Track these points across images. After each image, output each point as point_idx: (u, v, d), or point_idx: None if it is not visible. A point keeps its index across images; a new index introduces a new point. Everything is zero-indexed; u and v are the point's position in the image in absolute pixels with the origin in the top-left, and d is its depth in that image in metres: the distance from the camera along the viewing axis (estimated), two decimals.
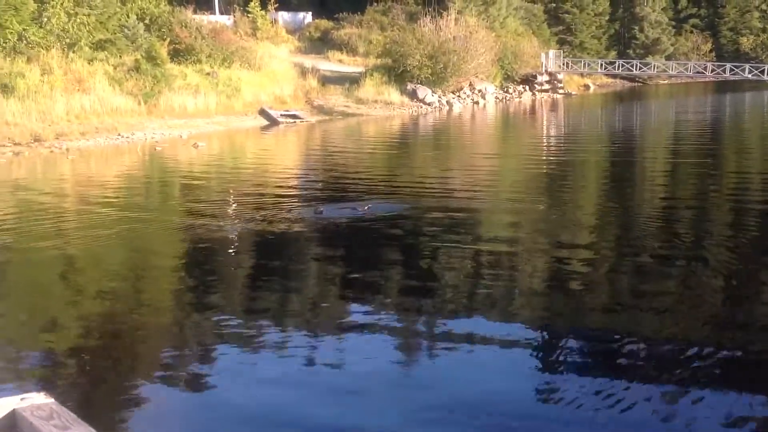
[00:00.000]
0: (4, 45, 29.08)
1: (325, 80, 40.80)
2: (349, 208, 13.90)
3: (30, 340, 7.97)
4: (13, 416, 1.84)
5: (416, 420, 5.96)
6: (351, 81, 41.01)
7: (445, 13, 45.23)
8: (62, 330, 8.36)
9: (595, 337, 7.87)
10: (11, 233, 12.74)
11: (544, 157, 24.25)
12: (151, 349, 7.82)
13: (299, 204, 15.16)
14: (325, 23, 52.03)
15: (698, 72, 57.39)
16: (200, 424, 6.09)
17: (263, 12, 47.50)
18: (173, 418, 6.19)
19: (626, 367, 6.97)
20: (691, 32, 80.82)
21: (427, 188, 17.07)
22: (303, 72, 40.44)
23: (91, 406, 6.29)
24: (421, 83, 41.99)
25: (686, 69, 58.42)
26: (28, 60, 29.04)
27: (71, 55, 30.49)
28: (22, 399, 1.88)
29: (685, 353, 7.29)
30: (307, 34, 51.23)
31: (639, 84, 69.66)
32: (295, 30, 51.55)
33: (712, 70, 55.49)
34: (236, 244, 12.20)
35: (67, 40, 30.93)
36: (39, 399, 1.89)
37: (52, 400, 1.89)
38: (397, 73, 41.52)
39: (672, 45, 75.90)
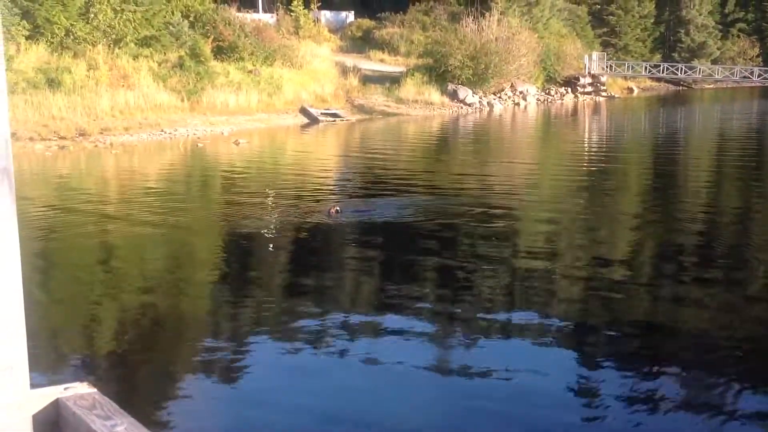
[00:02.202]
0: (51, 40, 29.59)
1: (366, 79, 40.84)
2: (362, 208, 13.81)
3: (73, 330, 8.10)
4: (56, 405, 1.87)
5: (452, 413, 5.94)
6: (392, 80, 41.01)
7: (487, 14, 45.00)
8: (104, 319, 8.49)
9: (633, 336, 7.78)
10: (55, 223, 12.96)
11: (585, 162, 23.99)
12: (191, 340, 7.91)
13: (336, 200, 15.21)
14: (367, 22, 52.09)
15: (745, 77, 56.40)
16: (239, 415, 6.14)
17: (306, 11, 47.71)
18: (213, 409, 6.24)
19: (663, 367, 6.87)
20: (738, 36, 79.39)
21: (464, 188, 17.00)
22: (344, 71, 40.54)
23: (133, 396, 6.37)
24: (462, 84, 41.84)
25: (732, 73, 57.41)
26: (75, 55, 29.53)
27: (117, 51, 30.95)
28: (65, 389, 1.91)
29: (724, 354, 7.18)
30: (349, 33, 51.34)
31: (684, 88, 68.62)
32: (337, 29, 51.70)
33: (759, 75, 54.49)
34: (274, 237, 12.29)
35: (113, 36, 31.39)
36: (82, 389, 1.91)
37: (95, 390, 1.91)
38: (438, 73, 41.42)
39: (718, 49, 74.56)
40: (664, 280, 10.05)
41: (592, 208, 14.68)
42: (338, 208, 13.35)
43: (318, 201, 15.07)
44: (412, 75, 41.01)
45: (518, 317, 8.37)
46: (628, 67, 58.33)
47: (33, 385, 1.79)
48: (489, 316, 8.38)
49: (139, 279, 10.11)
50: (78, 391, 1.90)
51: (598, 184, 18.08)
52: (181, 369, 7.05)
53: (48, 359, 6.91)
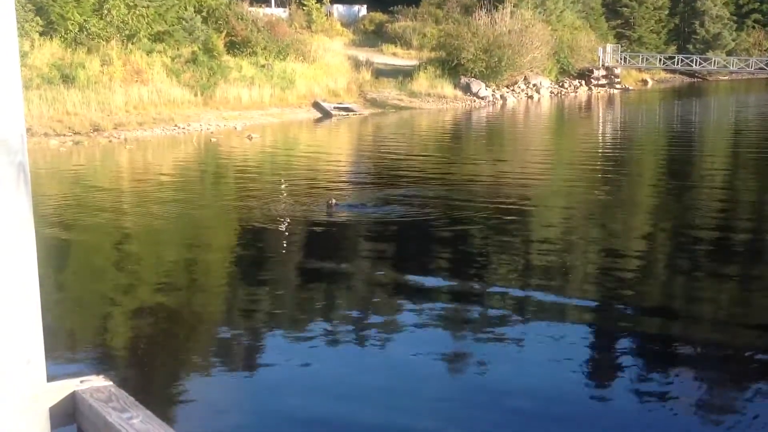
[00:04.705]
0: (65, 36, 29.73)
1: (379, 73, 40.81)
2: (359, 203, 13.82)
3: (88, 323, 8.16)
4: (73, 398, 1.88)
5: (464, 406, 5.94)
6: (404, 74, 40.96)
7: (500, 6, 44.83)
8: (119, 313, 8.54)
9: (648, 329, 7.75)
10: (70, 218, 13.03)
11: (599, 156, 23.88)
12: (205, 332, 7.95)
13: (347, 193, 15.25)
14: (379, 16, 52.02)
15: (760, 68, 55.97)
16: (254, 407, 6.16)
17: (318, 5, 47.69)
18: (228, 402, 6.27)
19: (678, 361, 6.85)
20: (753, 28, 78.78)
21: (477, 181, 16.96)
22: (357, 65, 40.52)
23: (149, 389, 6.41)
24: (474, 77, 41.74)
25: (747, 65, 57.02)
26: (89, 51, 29.65)
27: (130, 46, 31.05)
28: (81, 381, 1.92)
29: (737, 349, 7.14)
30: (362, 27, 51.30)
31: (698, 80, 68.20)
32: (349, 23, 51.67)
33: None
34: (286, 230, 12.35)
35: (127, 32, 31.49)
36: (98, 382, 1.93)
37: (111, 383, 1.93)
38: (451, 67, 41.34)
39: (733, 40, 73.98)
40: (679, 272, 10.00)
41: (606, 201, 14.61)
42: (335, 201, 13.44)
43: (328, 195, 15.10)
44: (425, 68, 40.95)
45: (532, 308, 8.36)
46: (643, 59, 58.00)
47: (49, 378, 1.80)
48: (503, 307, 8.37)
49: (153, 273, 10.16)
50: (94, 384, 1.92)
51: (613, 177, 18.00)
52: (196, 362, 7.09)
53: (64, 353, 6.96)
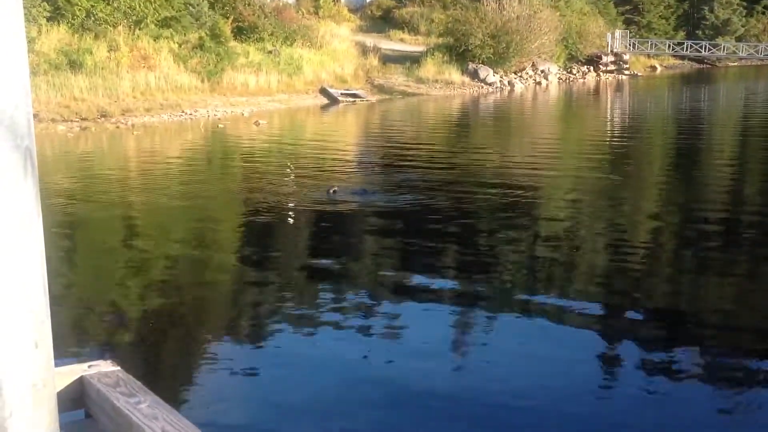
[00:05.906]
0: (72, 21, 29.70)
1: (386, 59, 40.69)
2: (361, 189, 13.81)
3: (96, 309, 8.18)
4: (80, 382, 1.89)
5: (468, 397, 5.95)
6: (412, 60, 40.83)
7: None
8: (126, 298, 8.57)
9: (657, 319, 7.74)
10: (79, 201, 13.07)
11: (608, 142, 23.80)
12: (213, 318, 7.97)
13: (350, 179, 15.25)
14: (387, 2, 51.81)
15: None
16: (263, 393, 6.18)
17: None
18: (234, 387, 6.28)
19: (686, 354, 6.83)
20: (763, 13, 78.14)
21: (484, 167, 16.92)
22: (364, 51, 40.41)
23: (156, 374, 6.43)
24: (482, 63, 41.58)
25: (757, 51, 56.67)
26: (96, 37, 29.62)
27: (137, 32, 31.00)
28: (89, 366, 1.93)
29: (748, 341, 7.13)
30: (369, 12, 51.12)
31: (707, 66, 67.80)
32: (357, 9, 51.49)
33: None
34: (293, 215, 12.36)
35: (134, 18, 31.44)
36: (106, 367, 1.93)
37: (119, 368, 1.93)
38: (459, 53, 41.19)
39: (743, 26, 73.45)
40: (686, 261, 9.98)
41: (617, 187, 14.56)
42: (335, 189, 13.42)
43: (332, 181, 15.09)
44: (433, 54, 40.80)
45: (537, 298, 8.34)
46: (652, 45, 57.68)
47: (57, 363, 1.80)
48: (508, 297, 8.37)
49: (161, 257, 10.18)
50: (102, 369, 1.92)
51: (620, 163, 17.92)
52: (203, 346, 7.11)
53: (71, 337, 6.98)
